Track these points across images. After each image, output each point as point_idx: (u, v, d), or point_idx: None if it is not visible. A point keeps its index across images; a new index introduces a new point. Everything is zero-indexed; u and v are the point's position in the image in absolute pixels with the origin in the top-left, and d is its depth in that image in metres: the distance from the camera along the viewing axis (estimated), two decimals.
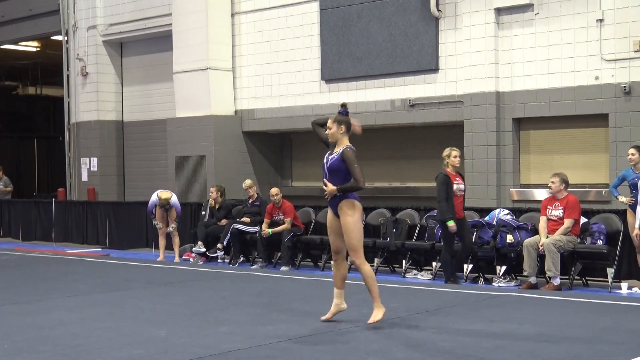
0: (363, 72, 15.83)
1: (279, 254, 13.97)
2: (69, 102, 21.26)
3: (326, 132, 8.07)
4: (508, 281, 11.53)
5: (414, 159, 16.37)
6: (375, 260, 12.72)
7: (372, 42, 15.62)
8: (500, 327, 7.98)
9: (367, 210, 12.99)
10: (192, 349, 7.10)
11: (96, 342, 7.42)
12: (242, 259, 14.61)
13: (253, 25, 17.66)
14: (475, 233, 11.89)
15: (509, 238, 11.57)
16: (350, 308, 8.36)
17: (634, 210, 10.61)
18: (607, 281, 11.02)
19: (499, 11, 14.07)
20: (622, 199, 11.05)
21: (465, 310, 9.04)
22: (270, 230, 13.86)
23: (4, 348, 7.22)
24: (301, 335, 7.62)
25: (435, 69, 14.91)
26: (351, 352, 6.95)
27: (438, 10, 14.75)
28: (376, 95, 15.69)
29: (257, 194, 14.89)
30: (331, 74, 16.30)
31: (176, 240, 15.00)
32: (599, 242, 11.24)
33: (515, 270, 11.75)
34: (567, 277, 11.18)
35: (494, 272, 11.63)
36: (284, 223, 13.88)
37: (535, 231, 11.55)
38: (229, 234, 14.38)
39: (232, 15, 17.93)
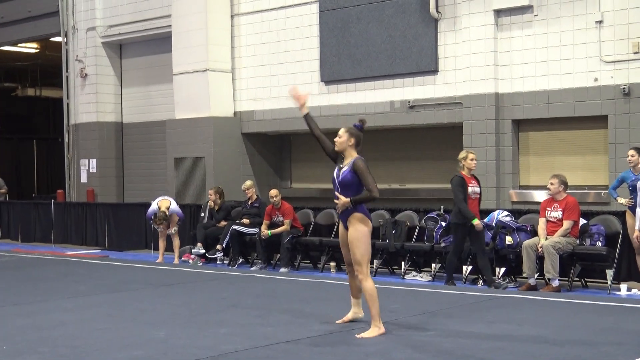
0: (362, 74, 15.83)
1: (278, 255, 13.96)
2: (68, 104, 21.26)
3: (334, 139, 7.99)
4: (507, 282, 11.53)
5: (413, 160, 16.37)
6: (375, 261, 12.71)
7: (372, 43, 15.62)
8: (499, 329, 7.98)
9: None
10: (192, 350, 7.10)
11: (95, 344, 7.42)
12: (241, 260, 14.61)
13: (252, 26, 17.67)
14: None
15: (508, 239, 11.57)
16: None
17: (634, 212, 10.61)
18: (607, 283, 11.02)
19: (499, 13, 14.07)
20: (622, 200, 11.04)
21: (464, 312, 9.04)
22: (269, 231, 13.86)
23: (4, 349, 7.21)
24: (300, 337, 7.62)
25: (434, 71, 14.91)
26: (351, 353, 6.95)
27: (437, 11, 14.75)
28: (375, 97, 15.69)
29: (257, 195, 14.89)
30: (331, 76, 16.30)
31: (176, 242, 15.00)
32: (598, 243, 11.24)
33: (514, 271, 11.75)
34: (567, 278, 11.18)
35: (494, 274, 11.61)
36: (283, 224, 13.88)
37: (534, 233, 11.55)
38: (228, 236, 14.38)
39: (232, 16, 17.93)
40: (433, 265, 12.49)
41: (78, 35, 20.79)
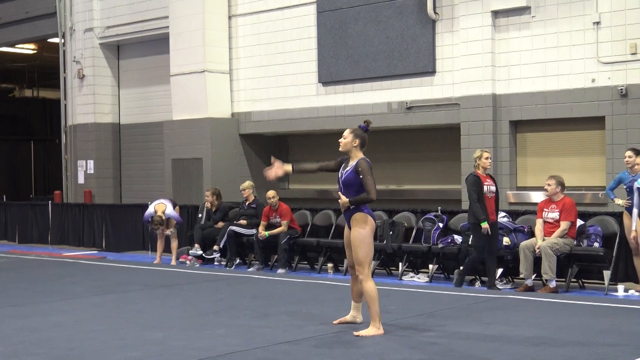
0: (360, 75, 15.83)
1: (276, 256, 13.96)
2: (65, 105, 21.25)
3: (339, 140, 7.95)
4: (505, 284, 11.53)
5: (411, 161, 16.38)
6: (372, 262, 12.68)
7: (369, 44, 15.63)
8: (497, 330, 7.98)
9: None
10: (189, 351, 7.09)
11: (92, 345, 7.41)
12: (238, 261, 14.62)
13: (250, 27, 17.67)
14: (471, 235, 11.90)
15: (506, 240, 11.57)
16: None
17: (631, 213, 10.61)
18: (604, 284, 11.02)
19: (496, 14, 14.08)
20: (619, 201, 11.04)
21: (462, 313, 9.04)
22: (267, 232, 13.86)
23: (0, 351, 7.20)
24: (298, 338, 7.61)
25: (432, 72, 14.92)
26: (348, 354, 6.95)
27: (435, 12, 14.75)
28: (373, 98, 15.69)
29: (254, 196, 14.87)
30: (328, 77, 16.30)
31: (174, 244, 14.98)
32: (596, 244, 11.25)
33: (511, 272, 11.75)
34: (564, 279, 11.19)
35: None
36: (280, 225, 13.87)
37: (531, 234, 11.56)
38: (225, 236, 14.37)
39: (229, 17, 17.93)
40: (430, 266, 12.49)
41: (76, 36, 20.77)
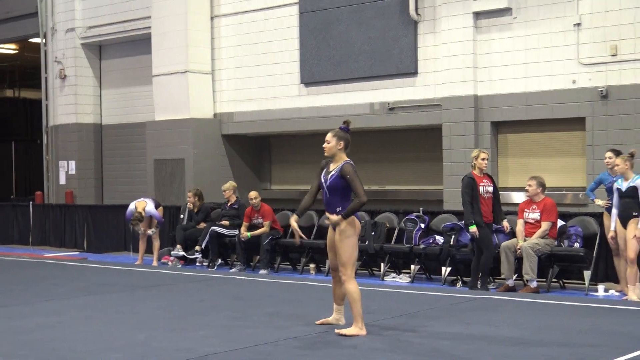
0: (342, 76, 15.85)
1: (258, 257, 13.96)
2: (47, 105, 21.15)
3: (323, 145, 7.89)
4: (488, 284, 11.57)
5: (393, 162, 16.41)
6: (356, 263, 12.69)
7: (352, 45, 15.65)
8: (478, 330, 8.02)
9: None
10: (171, 352, 7.09)
11: (74, 347, 7.39)
12: (220, 262, 14.60)
13: (232, 28, 17.65)
14: (453, 236, 11.94)
15: None
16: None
17: (610, 213, 10.68)
18: (584, 284, 11.09)
19: (478, 15, 14.13)
20: (599, 202, 11.12)
21: (443, 313, 9.08)
22: (249, 233, 13.85)
23: None
24: (280, 339, 7.62)
25: (414, 73, 14.96)
26: (330, 355, 6.96)
27: (417, 14, 14.79)
28: (355, 99, 15.71)
29: (236, 197, 14.86)
30: (310, 77, 16.31)
31: (156, 244, 14.95)
32: (576, 244, 11.31)
33: (493, 272, 11.79)
34: (545, 279, 11.25)
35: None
36: (262, 226, 13.87)
37: (512, 234, 11.60)
38: (207, 237, 14.36)
39: (212, 18, 17.90)
40: (412, 266, 12.53)
41: (57, 36, 20.69)
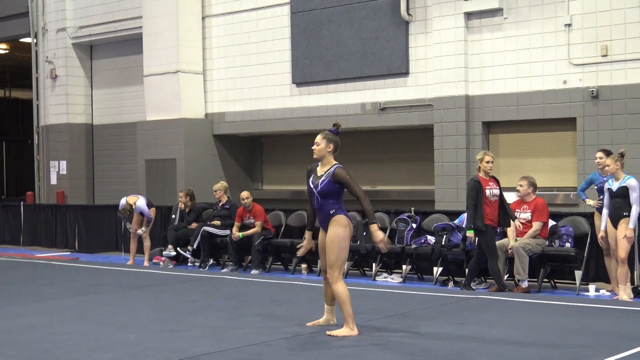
0: (334, 76, 15.86)
1: (250, 257, 13.95)
2: (38, 105, 21.11)
3: (312, 147, 7.84)
4: (477, 284, 11.59)
5: (385, 162, 16.43)
6: (346, 263, 12.70)
7: (343, 45, 15.66)
8: (469, 330, 8.02)
9: None
10: (162, 353, 7.08)
11: (65, 347, 7.37)
12: (212, 262, 14.58)
13: (224, 28, 17.64)
14: (445, 236, 11.95)
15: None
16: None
17: (601, 213, 10.70)
18: (575, 283, 11.12)
19: (469, 15, 14.16)
20: (590, 202, 11.14)
21: (435, 313, 9.08)
22: (240, 233, 13.83)
23: None
24: (272, 339, 7.62)
25: (405, 73, 14.98)
26: (322, 355, 6.96)
27: (408, 14, 14.81)
28: (347, 99, 15.73)
29: (227, 197, 14.84)
30: (302, 78, 16.31)
31: (147, 244, 14.93)
32: (567, 244, 11.33)
33: (484, 273, 11.80)
34: (536, 279, 11.26)
35: (464, 275, 11.67)
36: (254, 226, 13.86)
37: (504, 234, 11.62)
38: (199, 237, 14.34)
39: (203, 18, 17.90)
40: (404, 266, 12.53)
41: (48, 36, 20.65)
